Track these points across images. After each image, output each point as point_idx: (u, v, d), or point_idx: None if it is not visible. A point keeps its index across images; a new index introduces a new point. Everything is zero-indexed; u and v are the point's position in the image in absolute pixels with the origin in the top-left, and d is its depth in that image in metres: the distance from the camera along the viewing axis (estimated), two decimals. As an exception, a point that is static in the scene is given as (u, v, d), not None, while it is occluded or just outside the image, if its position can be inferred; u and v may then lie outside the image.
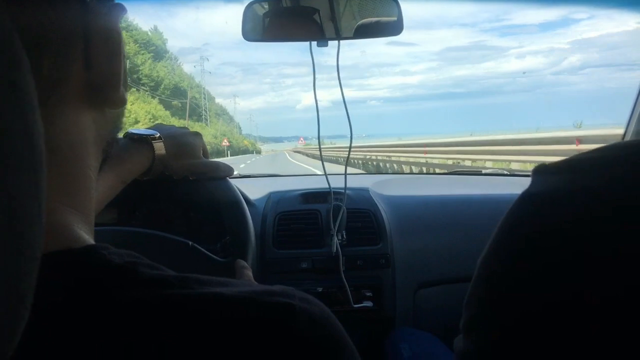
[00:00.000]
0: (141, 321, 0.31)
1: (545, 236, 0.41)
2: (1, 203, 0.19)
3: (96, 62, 0.36)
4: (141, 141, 0.86)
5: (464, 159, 10.11)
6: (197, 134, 0.98)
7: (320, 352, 0.33)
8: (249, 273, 0.84)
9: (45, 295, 0.24)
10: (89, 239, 0.35)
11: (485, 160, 8.91)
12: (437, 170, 9.79)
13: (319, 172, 1.66)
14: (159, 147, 0.87)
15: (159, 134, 0.88)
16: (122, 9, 0.38)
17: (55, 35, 0.33)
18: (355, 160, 16.92)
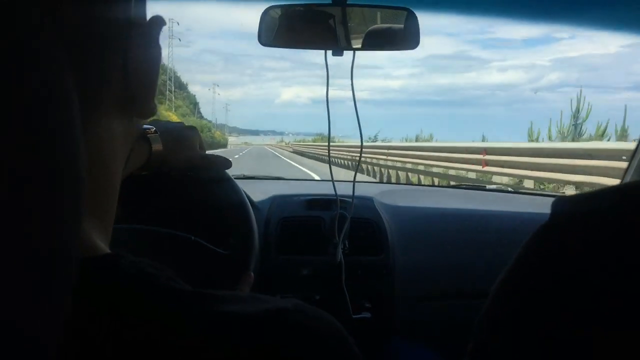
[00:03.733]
0: (155, 337, 0.31)
1: (570, 271, 0.40)
2: (45, 214, 0.20)
3: (134, 72, 0.36)
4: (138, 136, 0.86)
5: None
6: (193, 128, 0.98)
7: None
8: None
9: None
10: (104, 247, 0.35)
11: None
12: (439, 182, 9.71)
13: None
14: (156, 141, 0.87)
15: (154, 129, 0.88)
16: (161, 22, 0.38)
17: (99, 43, 0.33)
18: (343, 161, 16.97)
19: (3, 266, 0.18)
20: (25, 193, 0.19)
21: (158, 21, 0.38)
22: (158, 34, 0.38)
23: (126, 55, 0.35)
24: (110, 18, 0.34)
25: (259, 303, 0.35)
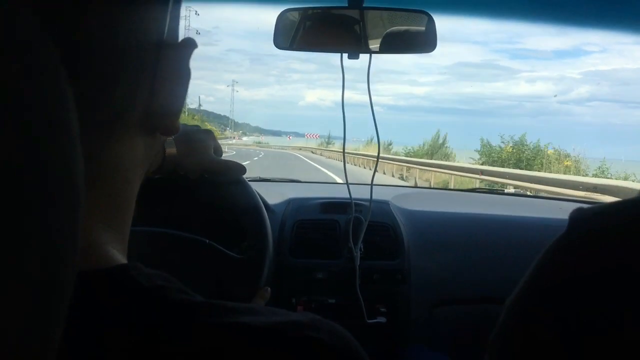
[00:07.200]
0: (164, 350, 0.30)
1: (588, 279, 0.39)
2: (38, 239, 0.19)
3: (161, 93, 0.36)
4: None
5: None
6: (208, 132, 0.98)
7: None
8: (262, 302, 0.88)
9: (69, 314, 0.24)
10: (121, 258, 0.35)
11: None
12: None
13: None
14: (170, 145, 0.87)
15: None
16: (193, 44, 0.38)
17: (130, 65, 0.33)
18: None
19: None
20: (17, 203, 0.18)
21: (190, 43, 0.37)
22: (189, 56, 0.37)
23: (155, 76, 0.35)
24: (141, 39, 0.34)
25: (272, 315, 0.35)
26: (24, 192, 0.19)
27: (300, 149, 45.61)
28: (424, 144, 25.45)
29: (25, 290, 0.19)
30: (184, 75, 0.37)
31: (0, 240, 0.18)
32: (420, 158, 19.01)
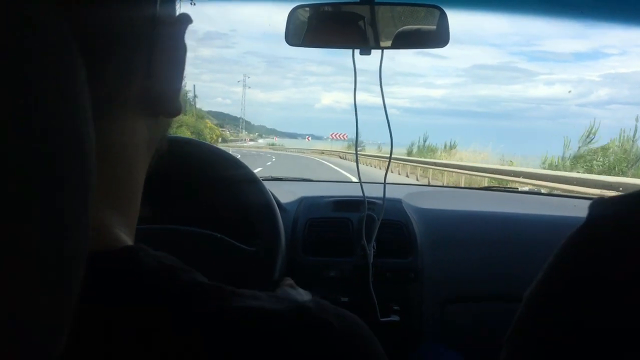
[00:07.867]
0: (171, 331, 0.30)
1: (608, 271, 0.38)
2: (51, 216, 0.19)
3: (158, 72, 0.36)
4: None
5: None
6: None
7: None
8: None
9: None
10: (128, 240, 0.35)
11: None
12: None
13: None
14: None
15: None
16: (188, 20, 0.37)
17: (123, 42, 0.33)
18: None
19: (7, 261, 0.17)
20: (30, 188, 0.18)
21: (184, 19, 0.37)
22: (184, 32, 0.37)
23: (150, 53, 0.35)
24: (134, 16, 0.33)
25: (279, 300, 0.34)
26: (36, 175, 0.19)
27: (323, 153, 36.52)
28: (568, 145, 14.10)
29: (38, 273, 0.19)
30: (180, 52, 0.37)
31: (12, 224, 0.17)
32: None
